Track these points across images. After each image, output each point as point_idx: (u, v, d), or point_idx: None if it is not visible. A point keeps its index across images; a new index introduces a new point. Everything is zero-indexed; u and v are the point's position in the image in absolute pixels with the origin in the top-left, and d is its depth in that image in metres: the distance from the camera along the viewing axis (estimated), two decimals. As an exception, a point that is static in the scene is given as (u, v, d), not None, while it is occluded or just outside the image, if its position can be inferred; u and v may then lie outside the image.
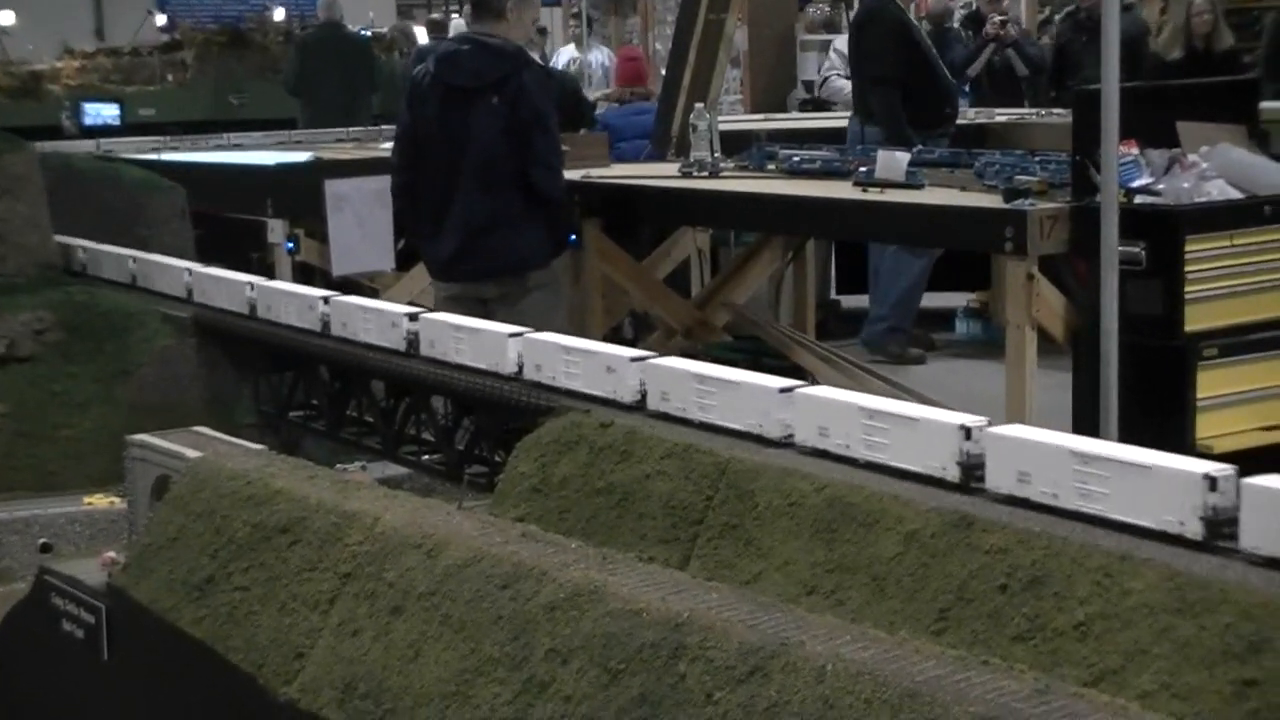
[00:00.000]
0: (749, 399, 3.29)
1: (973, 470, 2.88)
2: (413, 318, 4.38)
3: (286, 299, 4.84)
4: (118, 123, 13.78)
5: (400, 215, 6.82)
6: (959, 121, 9.37)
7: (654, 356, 3.51)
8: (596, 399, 3.59)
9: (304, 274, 8.36)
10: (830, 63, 12.34)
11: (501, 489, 3.52)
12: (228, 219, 8.12)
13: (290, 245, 8.19)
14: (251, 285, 5.06)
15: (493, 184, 6.07)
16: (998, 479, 2.81)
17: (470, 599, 2.73)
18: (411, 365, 4.30)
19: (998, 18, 10.78)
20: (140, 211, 6.10)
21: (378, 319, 4.48)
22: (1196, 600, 2.24)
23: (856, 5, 12.16)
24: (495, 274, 6.12)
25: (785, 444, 3.21)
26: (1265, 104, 7.05)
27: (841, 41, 12.44)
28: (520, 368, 3.96)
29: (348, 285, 7.49)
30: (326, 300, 4.72)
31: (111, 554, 3.58)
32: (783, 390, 3.27)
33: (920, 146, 7.60)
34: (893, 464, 2.98)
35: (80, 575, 3.57)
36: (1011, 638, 2.45)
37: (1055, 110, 10.01)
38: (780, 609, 2.45)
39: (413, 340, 4.34)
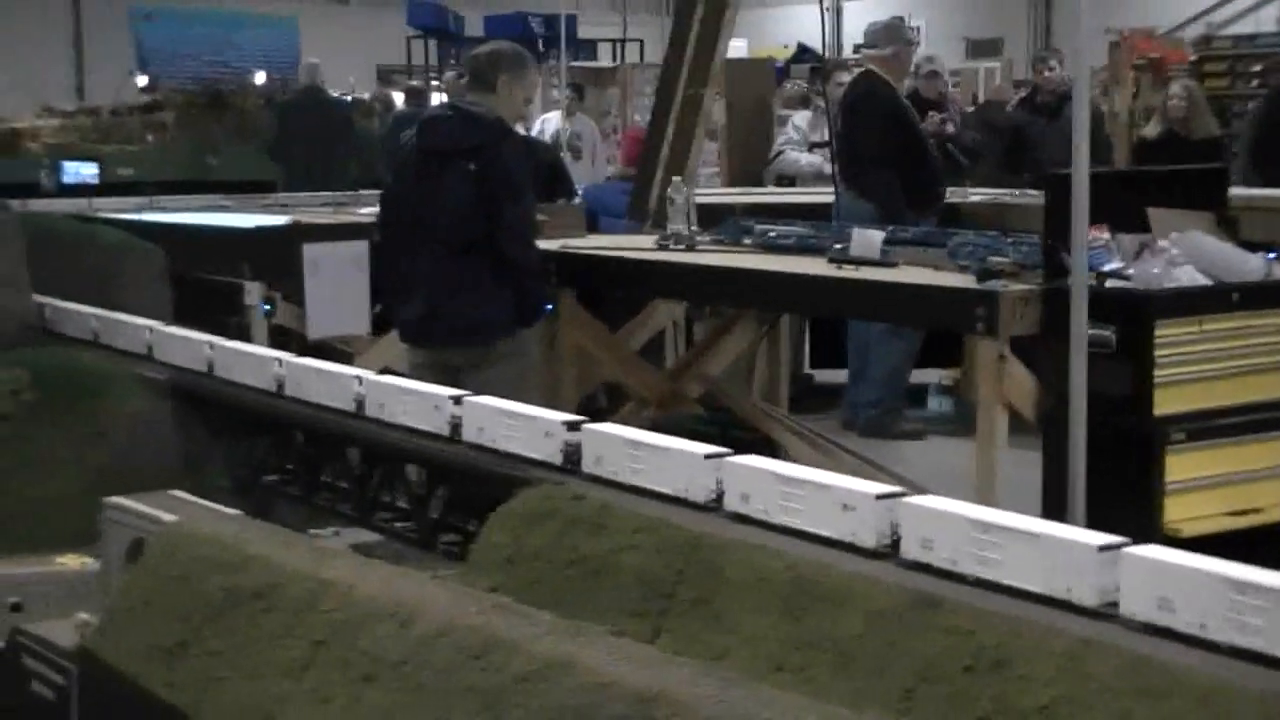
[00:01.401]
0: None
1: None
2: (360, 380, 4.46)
3: (254, 362, 4.89)
4: (96, 181, 13.83)
5: (378, 278, 6.89)
6: (932, 200, 9.49)
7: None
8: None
9: (280, 337, 8.40)
10: (786, 136, 12.49)
11: (474, 558, 3.56)
12: (204, 280, 8.16)
13: (267, 308, 8.22)
14: (211, 345, 5.11)
15: (462, 250, 6.13)
16: (910, 547, 2.94)
17: (442, 668, 2.75)
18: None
19: (937, 117, 10.92)
20: (118, 272, 6.12)
21: (331, 381, 4.56)
22: (1156, 685, 2.29)
23: (843, 83, 12.34)
24: (459, 341, 6.17)
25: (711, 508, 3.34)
26: (1243, 191, 7.16)
27: (801, 117, 12.60)
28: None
29: (323, 350, 7.52)
30: (281, 363, 4.78)
31: (84, 616, 3.58)
32: (708, 456, 3.38)
33: (914, 227, 7.70)
34: (809, 530, 3.10)
35: (52, 636, 3.57)
36: (975, 718, 2.49)
37: (1028, 191, 10.14)
38: (747, 686, 2.48)
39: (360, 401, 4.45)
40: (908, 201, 8.94)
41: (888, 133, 9.15)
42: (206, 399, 5.05)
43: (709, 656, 2.88)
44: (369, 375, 4.49)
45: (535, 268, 6.36)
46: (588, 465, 3.66)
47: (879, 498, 3.04)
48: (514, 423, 3.88)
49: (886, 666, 2.66)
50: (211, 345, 5.13)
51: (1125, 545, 2.66)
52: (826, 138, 12.16)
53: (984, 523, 2.83)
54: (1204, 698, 2.20)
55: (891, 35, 9.58)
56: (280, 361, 4.81)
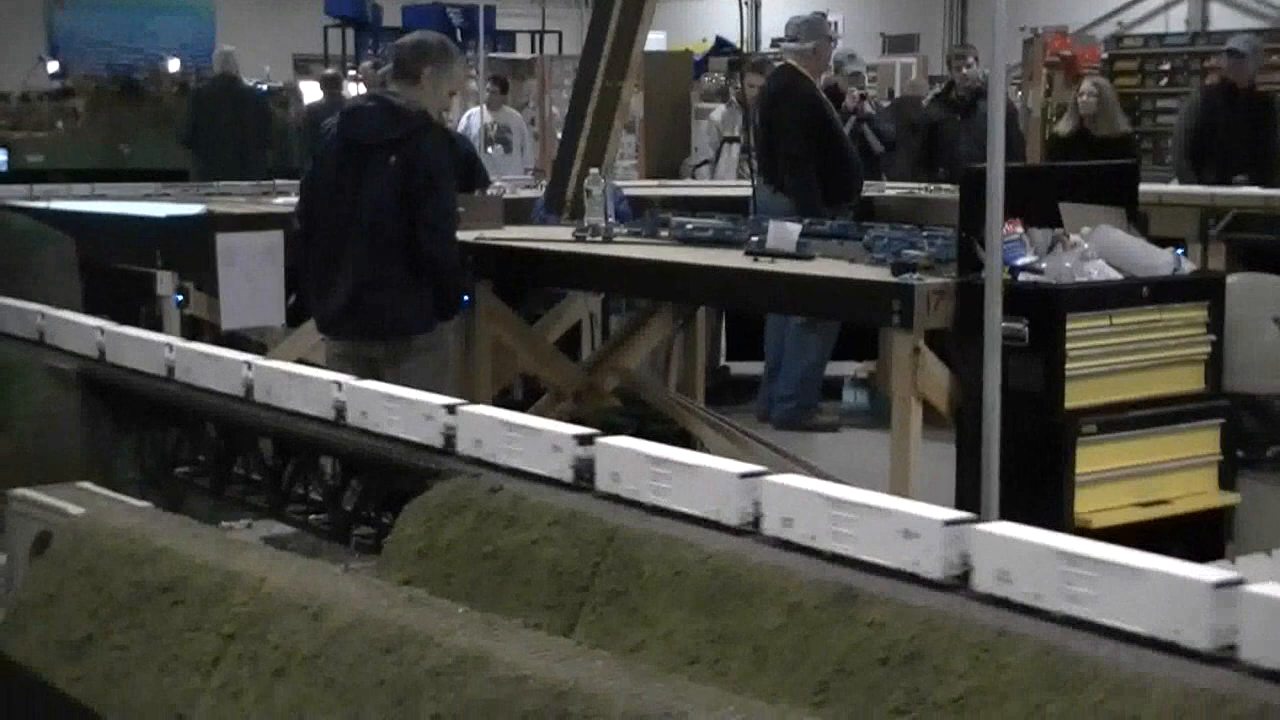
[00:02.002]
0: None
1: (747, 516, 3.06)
2: (249, 366, 4.43)
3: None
4: (4, 169, 13.62)
5: (297, 267, 6.81)
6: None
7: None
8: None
9: (193, 327, 8.30)
10: (700, 144, 12.54)
11: (387, 551, 3.53)
12: (116, 270, 8.04)
13: (179, 298, 8.12)
14: (102, 331, 5.04)
15: (381, 244, 6.07)
16: (771, 525, 3.00)
17: (353, 662, 2.72)
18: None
19: (857, 92, 11.01)
20: (26, 262, 6.02)
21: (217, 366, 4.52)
22: (1069, 677, 2.30)
23: (762, 77, 12.37)
24: (378, 335, 6.12)
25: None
26: (1152, 187, 7.24)
27: (718, 113, 12.65)
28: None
29: (235, 340, 7.44)
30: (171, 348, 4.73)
31: (-12, 610, 3.53)
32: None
33: (831, 221, 7.72)
34: (675, 508, 3.14)
35: (-46, 631, 3.51)
36: (890, 710, 2.49)
37: (943, 186, 10.22)
38: (663, 679, 2.47)
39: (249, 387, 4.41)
40: (826, 197, 8.96)
41: (807, 129, 9.16)
42: (111, 388, 4.98)
43: (625, 650, 2.87)
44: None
45: (454, 263, 6.31)
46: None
47: (742, 477, 3.08)
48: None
49: (802, 660, 2.66)
50: (102, 331, 5.06)
51: (972, 521, 2.74)
52: (738, 133, 12.27)
53: (842, 500, 2.89)
54: (1117, 689, 2.22)
55: (813, 30, 9.59)
56: (171, 348, 4.76)
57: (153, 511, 3.57)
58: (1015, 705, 2.33)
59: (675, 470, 3.18)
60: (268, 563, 3.13)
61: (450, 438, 3.73)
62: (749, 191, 9.48)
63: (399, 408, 3.87)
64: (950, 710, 2.43)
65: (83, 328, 5.10)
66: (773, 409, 9.32)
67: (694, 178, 12.34)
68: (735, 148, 12.36)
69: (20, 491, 3.74)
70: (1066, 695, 2.27)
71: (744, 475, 3.08)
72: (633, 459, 3.29)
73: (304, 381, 4.19)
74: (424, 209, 6.04)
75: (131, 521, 3.43)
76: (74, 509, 3.54)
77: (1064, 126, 10.82)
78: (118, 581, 3.22)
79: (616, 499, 3.29)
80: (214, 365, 4.50)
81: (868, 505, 2.85)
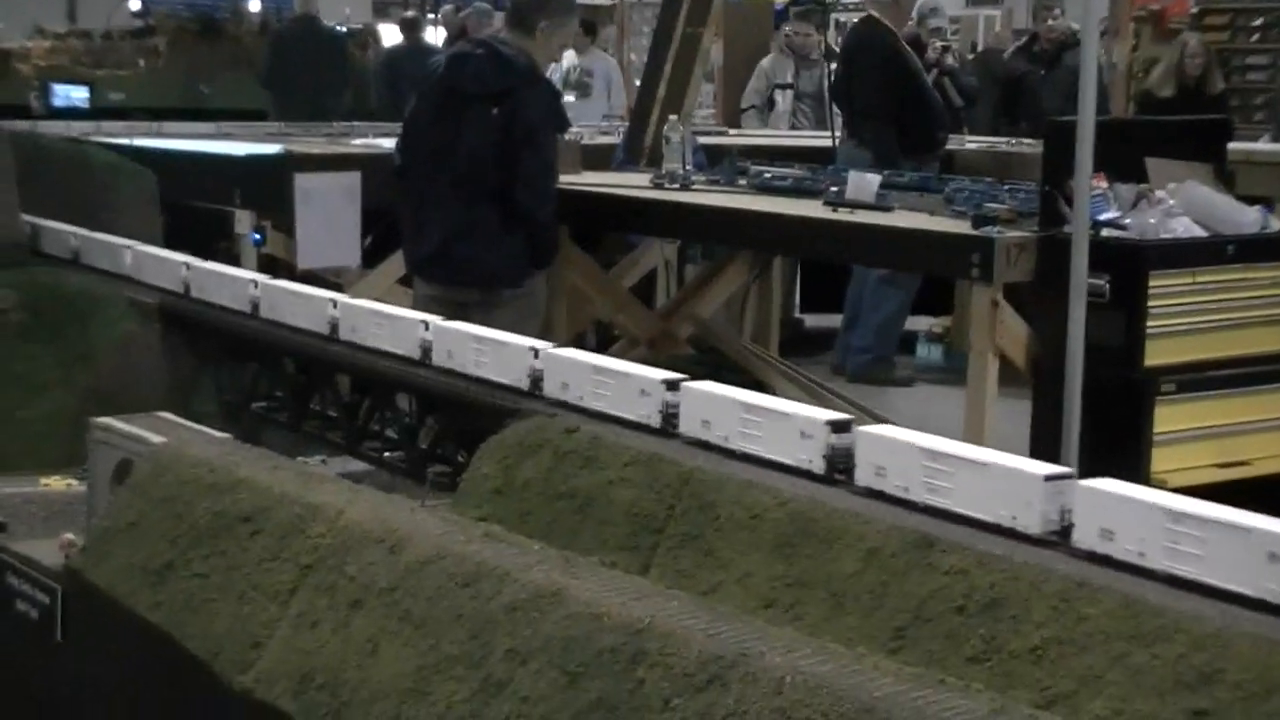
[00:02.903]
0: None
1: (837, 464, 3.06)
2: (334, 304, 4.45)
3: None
4: (86, 105, 13.70)
5: (395, 202, 6.76)
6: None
7: None
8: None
9: (269, 266, 8.34)
10: (750, 90, 12.43)
11: (463, 489, 3.54)
12: (195, 208, 8.09)
13: (257, 237, 8.16)
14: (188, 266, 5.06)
15: (474, 194, 6.06)
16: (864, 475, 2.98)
17: (431, 596, 2.73)
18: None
19: (939, 44, 10.86)
20: (108, 196, 6.07)
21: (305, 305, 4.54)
22: (1151, 629, 2.27)
23: (809, 25, 12.23)
24: (467, 284, 6.11)
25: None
26: (1241, 145, 7.11)
27: (768, 61, 12.55)
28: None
29: (311, 280, 7.47)
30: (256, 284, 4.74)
31: (69, 536, 3.57)
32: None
33: (914, 173, 7.65)
34: (764, 455, 3.13)
35: (37, 556, 3.56)
36: (967, 659, 2.48)
37: (1024, 140, 10.09)
38: (740, 620, 2.47)
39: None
40: (909, 149, 8.87)
41: (887, 83, 9.07)
42: (191, 322, 5.02)
43: (699, 593, 2.87)
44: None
45: (548, 219, 6.26)
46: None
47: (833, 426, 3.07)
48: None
49: (879, 606, 2.64)
50: (188, 266, 5.09)
51: (1071, 476, 2.71)
52: (790, 80, 12.17)
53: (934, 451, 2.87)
54: (1198, 642, 2.19)
55: None
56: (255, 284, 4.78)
57: (232, 443, 3.60)
58: (1095, 656, 2.31)
59: (765, 417, 3.15)
60: (346, 496, 3.14)
61: (537, 380, 3.72)
62: (828, 143, 9.40)
63: (488, 350, 3.88)
64: (1027, 659, 2.42)
65: (168, 262, 5.15)
66: (848, 360, 9.27)
67: (740, 125, 12.25)
68: (788, 95, 12.26)
69: (102, 420, 3.78)
70: (1148, 647, 2.25)
71: (834, 424, 3.05)
72: (721, 404, 3.27)
73: (391, 320, 4.21)
74: (522, 163, 6.01)
75: (212, 452, 3.46)
76: (155, 438, 3.57)
77: (1163, 87, 10.55)
78: (198, 511, 3.25)
79: (705, 444, 3.27)
80: (300, 302, 4.53)
81: (964, 458, 2.81)
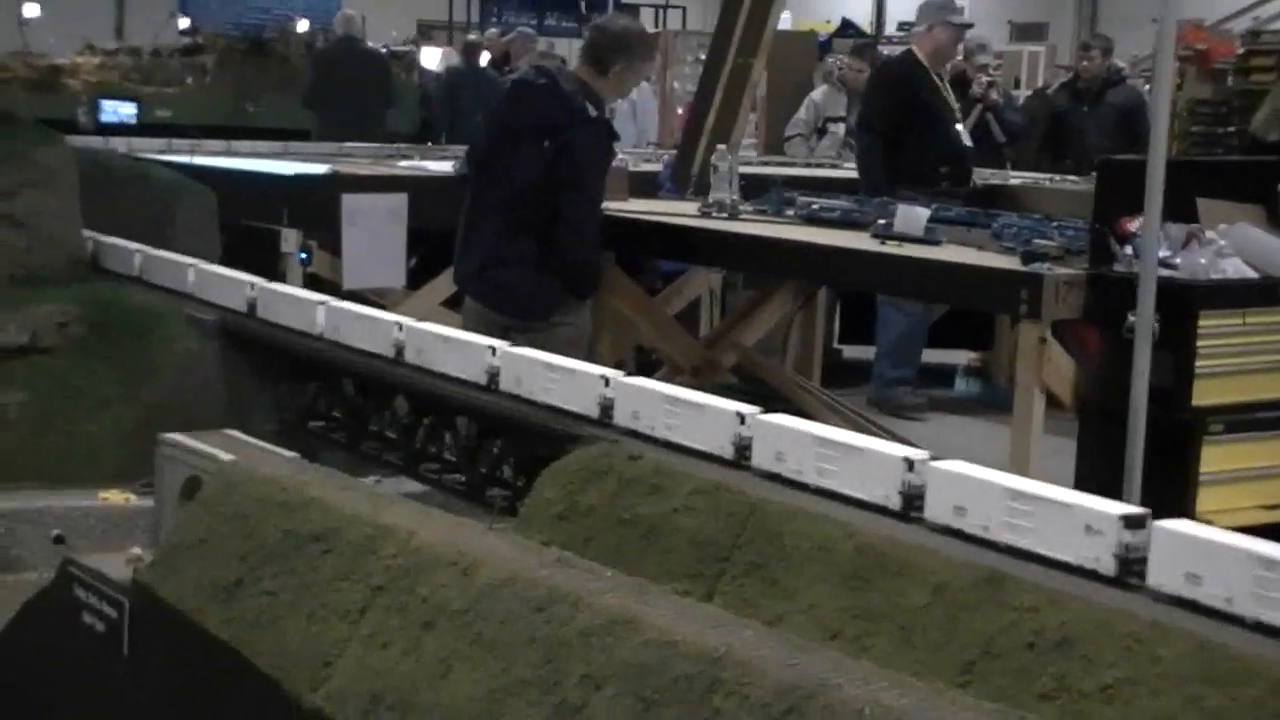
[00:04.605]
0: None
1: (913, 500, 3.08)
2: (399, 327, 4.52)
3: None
4: (134, 122, 13.81)
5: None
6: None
7: None
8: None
9: (314, 285, 8.40)
10: (796, 118, 12.49)
11: (525, 513, 3.57)
12: (242, 226, 8.16)
13: (303, 256, 8.22)
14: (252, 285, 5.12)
15: (516, 224, 6.07)
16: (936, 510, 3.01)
17: (504, 619, 2.76)
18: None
19: (985, 79, 10.88)
20: (169, 213, 6.14)
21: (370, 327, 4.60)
22: (1226, 671, 2.29)
23: (861, 61, 12.31)
24: (499, 309, 6.14)
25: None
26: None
27: (819, 93, 12.61)
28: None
29: (356, 300, 7.52)
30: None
31: (137, 550, 3.61)
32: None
33: (903, 203, 7.68)
34: (837, 490, 3.18)
35: (104, 569, 3.60)
36: (1037, 695, 2.50)
37: (1069, 177, 10.11)
38: (817, 650, 2.49)
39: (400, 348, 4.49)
40: (905, 176, 8.82)
41: (883, 99, 9.10)
42: (252, 340, 5.08)
43: (764, 622, 2.89)
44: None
45: (588, 260, 6.21)
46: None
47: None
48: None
49: (948, 641, 2.67)
50: (253, 286, 5.15)
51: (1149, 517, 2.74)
52: (843, 113, 12.23)
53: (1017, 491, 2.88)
54: (1276, 686, 2.21)
55: (925, 12, 9.49)
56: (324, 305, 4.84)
57: (302, 462, 3.65)
58: (1170, 699, 2.33)
59: (841, 451, 3.20)
60: (417, 518, 3.18)
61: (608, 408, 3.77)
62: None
63: (558, 377, 3.92)
64: (1098, 699, 2.44)
65: (234, 281, 5.21)
66: (873, 388, 9.28)
67: (784, 152, 12.30)
68: (840, 127, 12.32)
69: (171, 436, 3.83)
70: (1224, 690, 2.27)
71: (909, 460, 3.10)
72: (796, 438, 3.32)
73: (459, 345, 4.27)
74: (567, 204, 6.00)
75: (282, 471, 3.50)
76: (224, 455, 3.62)
77: (1269, 131, 10.44)
78: (268, 528, 3.29)
79: (777, 477, 3.32)
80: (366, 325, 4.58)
81: (1042, 497, 2.84)
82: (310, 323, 4.78)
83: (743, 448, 3.44)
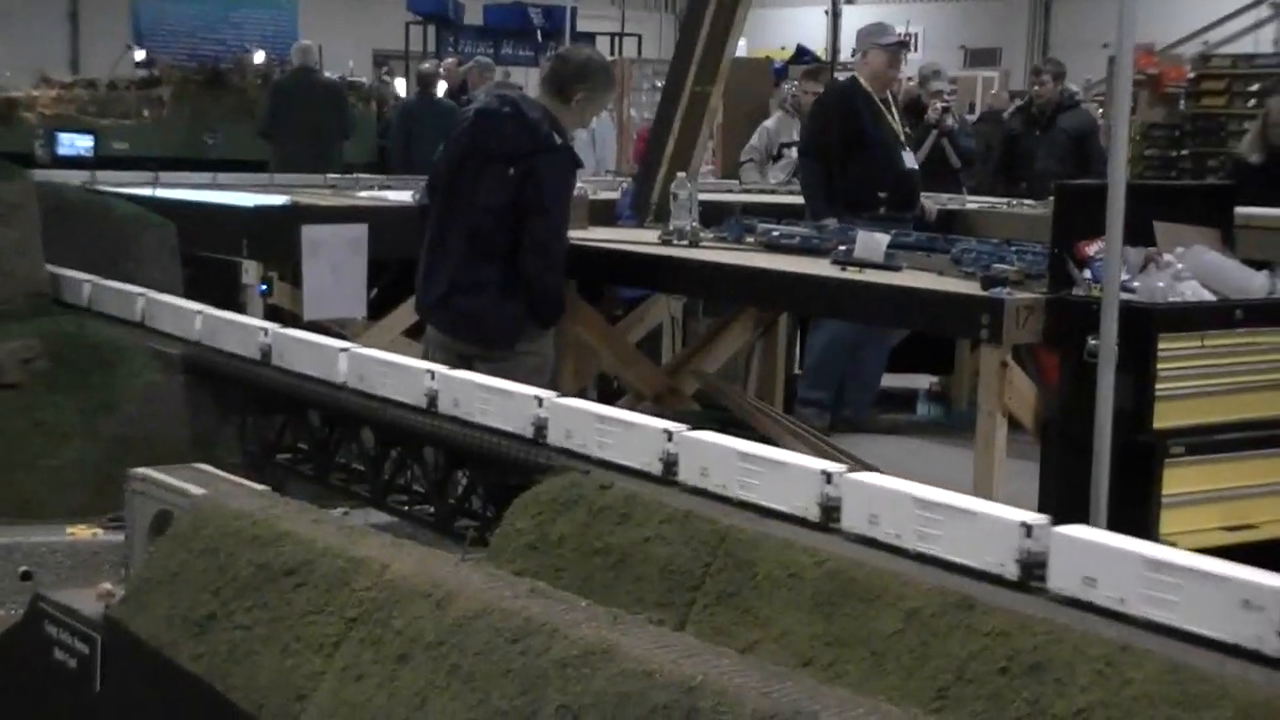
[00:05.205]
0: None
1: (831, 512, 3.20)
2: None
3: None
4: (91, 154, 13.77)
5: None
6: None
7: None
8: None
9: (275, 317, 8.39)
10: (750, 145, 12.57)
11: (496, 544, 3.58)
12: (202, 258, 8.14)
13: (264, 288, 8.21)
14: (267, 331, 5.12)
15: (481, 251, 6.08)
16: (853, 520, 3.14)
17: (479, 651, 2.77)
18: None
19: (939, 104, 10.98)
20: (130, 247, 6.12)
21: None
22: (1198, 694, 2.32)
23: (817, 84, 12.40)
24: (463, 337, 6.15)
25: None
26: (1243, 209, 7.15)
27: (772, 120, 12.70)
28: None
29: (317, 330, 7.52)
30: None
31: (108, 586, 3.60)
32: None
33: (840, 225, 7.76)
34: (761, 503, 3.28)
35: (76, 605, 3.59)
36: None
37: (1025, 201, 10.20)
38: (793, 678, 2.51)
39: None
40: (844, 200, 8.88)
41: (822, 123, 9.20)
42: (214, 372, 5.08)
43: (737, 650, 2.91)
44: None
45: (553, 286, 6.23)
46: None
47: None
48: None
49: (920, 666, 2.69)
50: (201, 314, 5.16)
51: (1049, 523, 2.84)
52: (796, 139, 12.30)
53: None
54: (1246, 709, 2.24)
55: (863, 37, 9.56)
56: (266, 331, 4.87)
57: (273, 495, 3.65)
58: None
59: (763, 465, 3.32)
60: (390, 550, 3.19)
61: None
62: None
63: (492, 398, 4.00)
64: (1071, 722, 2.46)
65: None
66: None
67: (738, 178, 12.38)
68: (793, 152, 12.40)
69: (140, 471, 3.82)
70: (1195, 712, 2.30)
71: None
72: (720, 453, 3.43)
73: (399, 370, 4.31)
74: (532, 230, 6.02)
75: (254, 505, 3.50)
76: (195, 489, 3.62)
77: (1251, 153, 10.51)
78: (241, 562, 3.29)
79: (703, 492, 3.42)
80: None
81: (950, 505, 2.95)
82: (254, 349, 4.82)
83: (670, 463, 3.53)
